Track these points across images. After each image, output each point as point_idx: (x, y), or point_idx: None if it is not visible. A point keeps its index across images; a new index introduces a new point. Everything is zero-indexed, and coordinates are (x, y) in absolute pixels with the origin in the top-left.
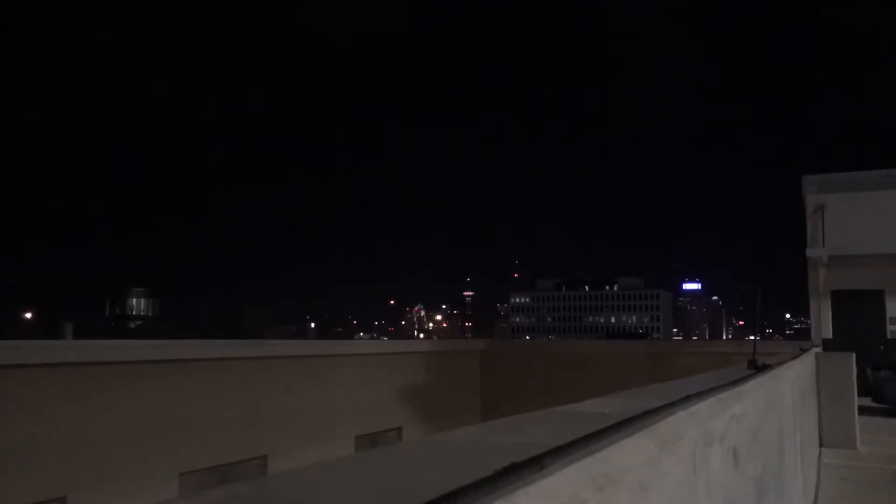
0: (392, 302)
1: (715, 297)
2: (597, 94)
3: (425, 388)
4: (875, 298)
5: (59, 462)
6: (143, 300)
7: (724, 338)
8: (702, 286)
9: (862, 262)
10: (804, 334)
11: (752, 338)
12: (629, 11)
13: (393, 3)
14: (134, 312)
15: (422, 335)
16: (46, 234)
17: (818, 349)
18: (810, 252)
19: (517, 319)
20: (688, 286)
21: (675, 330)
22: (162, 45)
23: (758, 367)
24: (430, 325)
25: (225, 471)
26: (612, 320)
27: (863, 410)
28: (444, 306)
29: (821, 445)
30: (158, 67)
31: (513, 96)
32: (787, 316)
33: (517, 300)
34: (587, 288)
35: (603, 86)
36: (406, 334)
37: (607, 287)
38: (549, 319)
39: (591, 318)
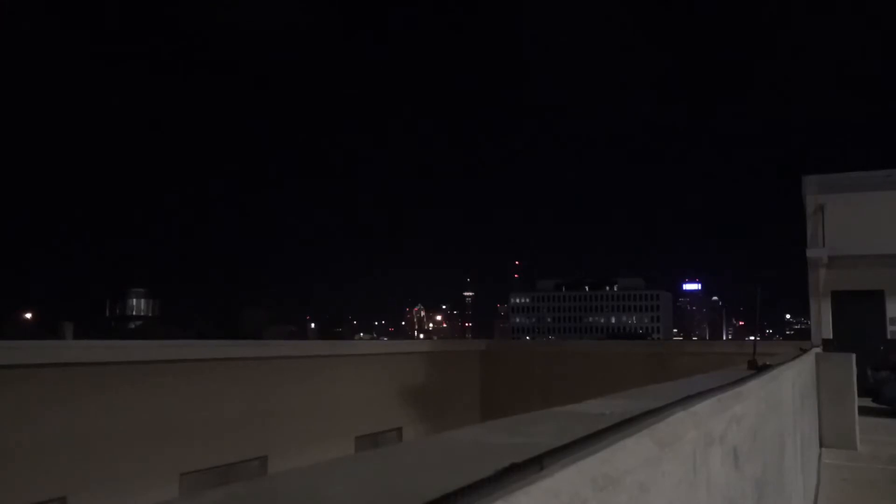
0: (392, 302)
1: (715, 298)
2: (596, 94)
3: (425, 388)
4: (875, 298)
5: (59, 462)
6: (143, 300)
7: (725, 338)
8: (702, 286)
9: (862, 262)
10: (804, 335)
11: (752, 338)
12: (628, 13)
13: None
14: (134, 312)
15: (422, 335)
16: (47, 234)
17: (818, 349)
18: (810, 252)
19: (517, 320)
20: (688, 286)
21: (675, 330)
22: (163, 47)
23: (758, 368)
24: (430, 325)
25: (225, 471)
26: (613, 321)
27: (863, 410)
28: (444, 306)
29: (821, 445)
30: (158, 68)
31: (513, 96)
32: (788, 316)
33: (517, 300)
34: (587, 288)
35: (602, 85)
36: (406, 334)
37: (607, 287)
38: (549, 320)
39: (591, 319)
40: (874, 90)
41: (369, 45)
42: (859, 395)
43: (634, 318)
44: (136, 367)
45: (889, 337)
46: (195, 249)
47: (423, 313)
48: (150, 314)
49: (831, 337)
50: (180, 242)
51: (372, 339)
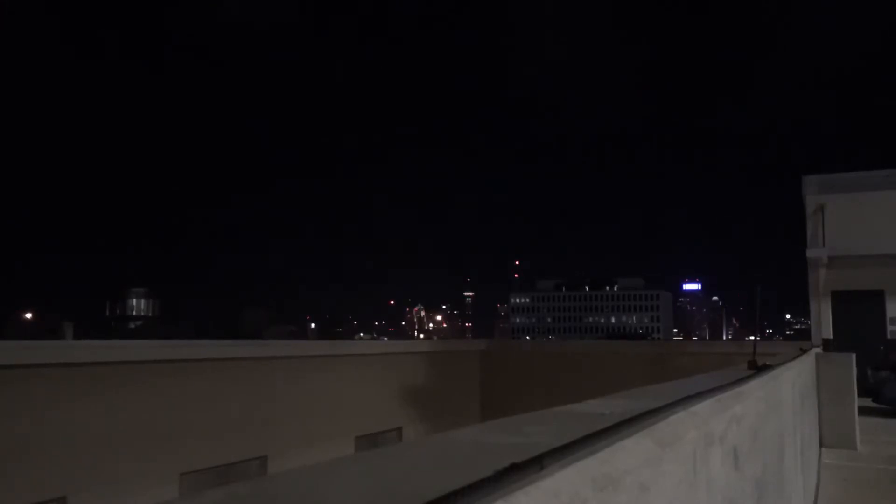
0: (392, 302)
1: (715, 298)
2: (597, 94)
3: (425, 388)
4: (875, 298)
5: (59, 462)
6: (143, 300)
7: (725, 338)
8: (702, 286)
9: (862, 262)
10: (804, 335)
11: (752, 338)
12: (628, 13)
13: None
14: (134, 312)
15: (422, 335)
16: (47, 234)
17: (818, 349)
18: (810, 252)
19: (517, 320)
20: (688, 286)
21: (675, 330)
22: (163, 46)
23: (758, 368)
24: (430, 325)
25: (225, 471)
26: (613, 321)
27: (863, 410)
28: (444, 306)
29: (821, 445)
30: (157, 68)
31: (513, 96)
32: (788, 316)
33: (517, 300)
34: (587, 288)
35: (602, 85)
36: (406, 334)
37: (607, 287)
38: (549, 320)
39: (591, 319)
40: (875, 90)
41: (369, 44)
42: (859, 395)
43: (634, 318)
44: (136, 367)
45: (889, 337)
46: (195, 249)
47: (423, 313)
48: (150, 314)
49: (831, 337)
50: (180, 242)
51: (372, 339)
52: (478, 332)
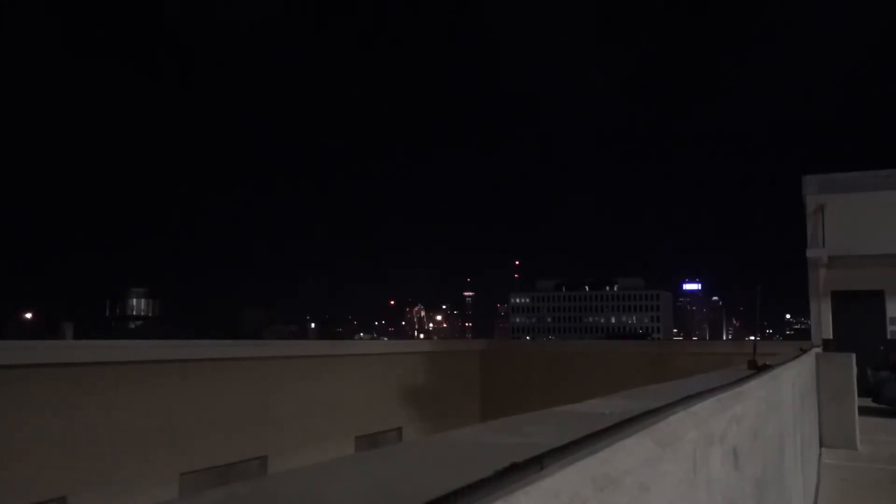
0: (392, 302)
1: (715, 298)
2: (597, 94)
3: (425, 388)
4: (875, 298)
5: (59, 462)
6: (143, 300)
7: (725, 338)
8: (702, 286)
9: (862, 262)
10: (804, 335)
11: (752, 338)
12: (628, 13)
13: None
14: (134, 312)
15: (422, 335)
16: (47, 234)
17: (818, 349)
18: (810, 252)
19: (517, 320)
20: (688, 286)
21: (675, 330)
22: (163, 46)
23: (758, 368)
24: (430, 325)
25: (225, 471)
26: (613, 321)
27: (863, 410)
28: (444, 306)
29: (821, 445)
30: (158, 68)
31: (513, 96)
32: (788, 316)
33: (517, 300)
34: (587, 288)
35: (602, 85)
36: (406, 334)
37: (607, 287)
38: (549, 320)
39: (591, 319)
40: (875, 90)
41: (369, 44)
42: (859, 395)
43: (634, 318)
44: (136, 367)
45: (889, 337)
46: (196, 249)
47: (423, 313)
48: (150, 314)
49: (831, 337)
50: (181, 242)
51: (372, 339)
52: (478, 332)
